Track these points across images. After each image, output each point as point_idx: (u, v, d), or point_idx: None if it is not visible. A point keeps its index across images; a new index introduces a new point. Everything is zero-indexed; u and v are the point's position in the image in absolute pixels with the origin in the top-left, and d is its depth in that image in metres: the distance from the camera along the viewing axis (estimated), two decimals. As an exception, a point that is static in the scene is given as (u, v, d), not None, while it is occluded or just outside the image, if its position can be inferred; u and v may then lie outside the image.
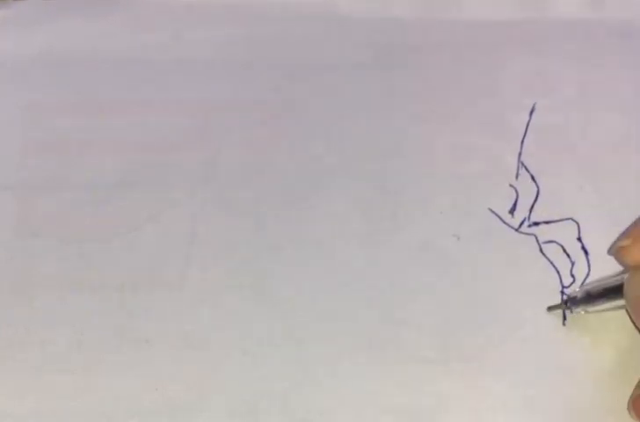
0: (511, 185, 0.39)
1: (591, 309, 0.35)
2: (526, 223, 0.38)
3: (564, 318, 0.35)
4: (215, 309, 0.36)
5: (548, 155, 0.40)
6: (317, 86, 0.42)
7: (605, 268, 0.35)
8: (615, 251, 0.33)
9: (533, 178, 0.39)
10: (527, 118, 0.41)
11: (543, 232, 0.38)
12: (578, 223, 0.38)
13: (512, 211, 0.38)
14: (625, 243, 0.33)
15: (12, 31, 0.45)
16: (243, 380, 0.34)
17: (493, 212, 0.38)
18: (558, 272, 0.37)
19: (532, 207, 0.38)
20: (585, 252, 0.37)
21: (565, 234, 0.37)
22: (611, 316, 0.35)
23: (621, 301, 0.33)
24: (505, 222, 0.38)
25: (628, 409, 0.32)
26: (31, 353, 0.35)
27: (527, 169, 0.39)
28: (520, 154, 0.40)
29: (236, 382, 0.34)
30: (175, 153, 0.40)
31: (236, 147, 0.41)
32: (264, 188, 0.39)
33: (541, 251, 0.37)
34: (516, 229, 0.38)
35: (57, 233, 0.38)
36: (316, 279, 0.37)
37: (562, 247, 0.37)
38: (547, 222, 0.38)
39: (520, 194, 0.39)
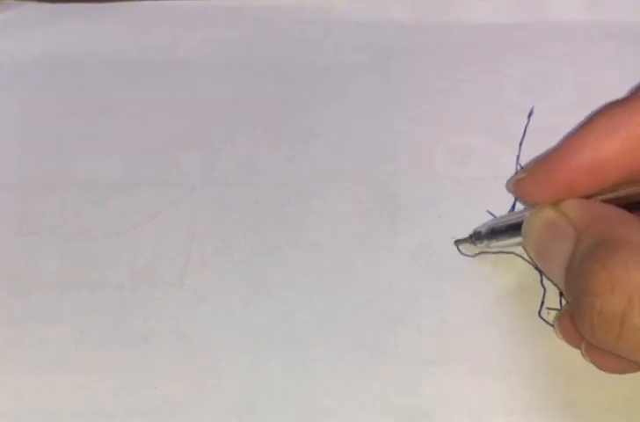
0: (510, 188, 0.39)
1: (494, 244, 0.36)
2: (524, 226, 0.38)
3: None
4: (215, 309, 0.36)
5: (546, 157, 0.40)
6: (316, 88, 0.42)
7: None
8: (511, 185, 0.34)
9: (531, 180, 0.39)
10: (525, 120, 0.41)
11: (542, 234, 0.38)
12: (575, 226, 0.38)
13: (510, 214, 0.39)
14: (520, 176, 0.33)
15: (12, 32, 0.45)
16: (243, 380, 0.35)
17: (492, 214, 0.38)
18: (556, 274, 0.37)
19: (530, 209, 0.38)
20: (583, 255, 0.37)
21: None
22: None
23: (520, 239, 0.33)
24: (503, 225, 0.38)
25: (554, 331, 0.34)
26: (30, 352, 0.35)
27: (525, 172, 0.39)
28: (518, 157, 0.40)
29: (236, 382, 0.34)
30: (175, 153, 0.40)
31: (236, 147, 0.41)
32: (264, 188, 0.39)
33: (539, 253, 0.37)
34: (515, 232, 0.38)
35: (57, 232, 0.38)
36: (315, 279, 0.37)
37: (560, 249, 0.37)
38: (545, 225, 0.38)
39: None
